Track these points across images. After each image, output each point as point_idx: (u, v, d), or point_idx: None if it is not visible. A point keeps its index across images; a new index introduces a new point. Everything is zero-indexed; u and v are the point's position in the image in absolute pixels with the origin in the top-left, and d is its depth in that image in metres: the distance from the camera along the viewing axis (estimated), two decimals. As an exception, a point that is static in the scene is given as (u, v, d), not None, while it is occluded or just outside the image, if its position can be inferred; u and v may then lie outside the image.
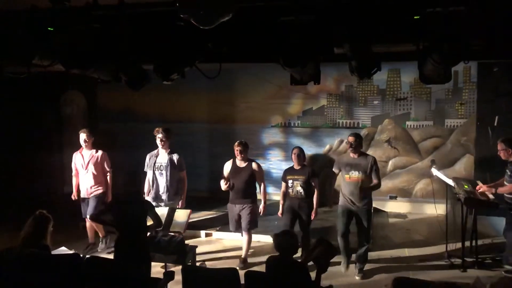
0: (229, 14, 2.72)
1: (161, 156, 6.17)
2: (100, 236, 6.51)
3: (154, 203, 5.65)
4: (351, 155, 5.66)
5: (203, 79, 4.28)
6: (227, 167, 6.03)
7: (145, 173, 6.24)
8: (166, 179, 6.07)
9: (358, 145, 5.62)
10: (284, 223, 5.82)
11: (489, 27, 3.87)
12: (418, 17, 3.68)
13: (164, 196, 6.08)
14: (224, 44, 4.13)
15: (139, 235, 4.55)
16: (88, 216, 6.25)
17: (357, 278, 5.59)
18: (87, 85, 8.62)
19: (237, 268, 5.51)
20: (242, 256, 6.04)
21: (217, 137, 9.18)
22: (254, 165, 5.96)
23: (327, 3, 3.86)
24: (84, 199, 6.42)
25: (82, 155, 6.44)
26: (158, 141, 6.11)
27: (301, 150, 5.94)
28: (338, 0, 3.86)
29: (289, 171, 5.93)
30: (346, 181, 5.61)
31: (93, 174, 6.36)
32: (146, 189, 6.15)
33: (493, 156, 5.81)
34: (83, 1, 3.83)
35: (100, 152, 6.44)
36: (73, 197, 6.50)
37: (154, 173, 6.13)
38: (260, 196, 6.05)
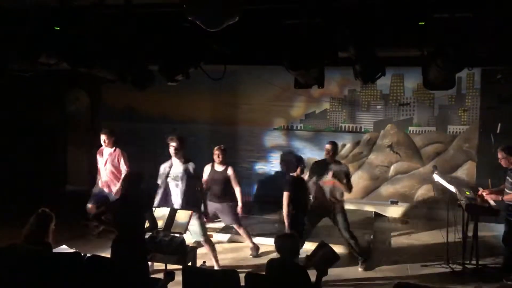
0: (235, 17, 2.74)
1: (175, 167, 5.82)
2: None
3: None
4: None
5: (207, 80, 4.29)
6: (206, 171, 6.21)
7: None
8: (182, 190, 5.74)
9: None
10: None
11: (493, 34, 3.88)
12: (423, 23, 3.69)
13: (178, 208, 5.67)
14: (229, 46, 4.14)
15: (137, 235, 4.55)
16: (89, 204, 6.59)
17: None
18: (91, 83, 8.64)
19: (251, 256, 6.15)
20: (251, 245, 6.34)
21: (219, 139, 9.15)
22: (229, 170, 6.14)
23: (332, 7, 3.88)
24: (99, 188, 6.72)
25: (102, 153, 6.76)
26: (171, 150, 5.73)
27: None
28: (343, 4, 3.88)
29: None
30: None
31: (111, 172, 6.66)
32: (157, 201, 5.82)
33: (495, 163, 5.81)
34: (90, 0, 3.85)
35: (118, 151, 6.70)
36: (97, 188, 6.77)
37: (168, 184, 5.85)
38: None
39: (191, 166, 5.80)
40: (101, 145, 6.77)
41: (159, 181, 5.88)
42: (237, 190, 6.16)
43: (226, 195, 6.14)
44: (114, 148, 6.70)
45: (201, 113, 9.36)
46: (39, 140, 8.72)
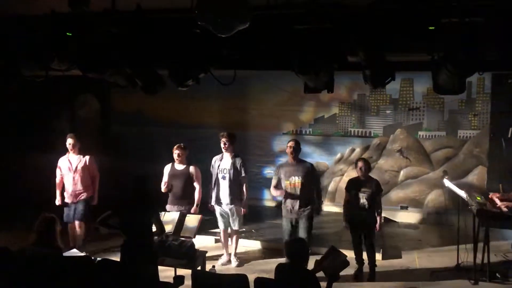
0: (246, 23, 2.76)
1: (225, 160, 6.23)
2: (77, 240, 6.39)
3: (217, 206, 6.20)
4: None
5: (216, 85, 4.31)
6: (166, 170, 6.21)
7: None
8: (228, 184, 6.13)
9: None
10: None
11: (504, 38, 3.86)
12: (433, 27, 3.69)
13: (225, 200, 6.17)
14: (239, 51, 4.16)
15: (145, 239, 4.58)
16: (76, 222, 6.33)
17: None
18: (100, 88, 8.71)
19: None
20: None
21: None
22: (191, 168, 6.11)
23: (342, 11, 3.88)
24: (69, 203, 6.40)
25: (69, 160, 6.47)
26: (222, 145, 6.18)
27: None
28: (352, 9, 3.89)
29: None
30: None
31: (81, 177, 6.38)
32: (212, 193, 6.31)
33: (506, 168, 5.77)
34: (101, 7, 3.90)
35: (87, 156, 6.49)
36: (57, 203, 6.43)
37: (217, 177, 6.22)
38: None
39: (238, 161, 6.18)
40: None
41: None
42: (198, 189, 6.15)
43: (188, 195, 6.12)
44: (81, 154, 6.46)
45: (210, 118, 9.38)
46: (49, 144, 8.79)
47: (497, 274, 5.72)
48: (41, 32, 4.07)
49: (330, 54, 3.89)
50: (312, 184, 5.75)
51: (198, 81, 4.30)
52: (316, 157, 8.98)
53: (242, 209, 6.17)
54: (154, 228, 4.70)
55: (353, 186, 5.74)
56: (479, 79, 7.92)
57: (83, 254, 4.82)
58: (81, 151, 6.50)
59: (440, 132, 8.40)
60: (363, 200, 5.61)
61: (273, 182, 5.88)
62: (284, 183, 5.71)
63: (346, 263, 3.91)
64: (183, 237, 5.21)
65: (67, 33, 4.01)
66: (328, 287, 3.73)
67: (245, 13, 2.74)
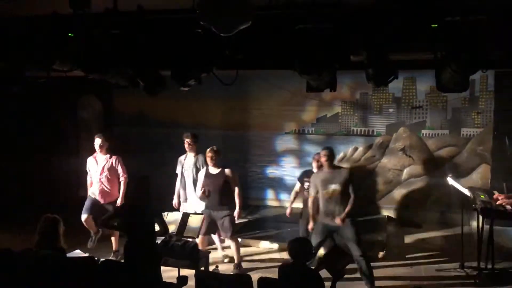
0: (248, 22, 2.75)
1: (188, 159, 6.56)
2: (92, 233, 6.38)
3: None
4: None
5: (217, 85, 4.30)
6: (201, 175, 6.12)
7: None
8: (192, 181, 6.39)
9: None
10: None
11: (507, 36, 3.84)
12: (435, 25, 3.67)
13: (190, 197, 6.47)
14: (241, 51, 4.15)
15: (148, 240, 4.57)
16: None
17: None
18: (103, 89, 8.72)
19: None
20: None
21: (230, 144, 9.19)
22: (227, 171, 5.99)
23: (344, 11, 3.87)
24: (92, 198, 6.40)
25: (96, 160, 6.45)
26: (186, 145, 6.54)
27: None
28: (355, 8, 3.87)
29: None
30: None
31: (108, 179, 6.34)
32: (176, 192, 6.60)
33: (510, 166, 5.74)
34: (103, 7, 3.89)
35: (114, 157, 6.43)
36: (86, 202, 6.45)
37: (183, 175, 6.54)
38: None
39: (200, 159, 6.47)
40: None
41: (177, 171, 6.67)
42: (237, 191, 6.00)
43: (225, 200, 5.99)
44: (109, 154, 6.44)
45: (212, 118, 9.36)
46: (51, 145, 8.82)
47: (501, 273, 5.71)
48: (42, 33, 4.06)
49: (333, 53, 3.87)
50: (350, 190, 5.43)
51: (200, 81, 4.29)
52: (319, 156, 8.97)
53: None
54: (157, 228, 4.69)
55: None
56: (482, 77, 7.89)
57: (86, 255, 4.82)
58: (109, 152, 6.47)
59: (444, 130, 8.37)
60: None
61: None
62: (322, 192, 5.45)
63: (350, 260, 3.92)
64: (186, 237, 5.21)
65: (69, 34, 4.00)
66: (332, 286, 3.73)
67: (246, 13, 2.73)
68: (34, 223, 4.19)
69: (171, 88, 4.68)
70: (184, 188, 6.57)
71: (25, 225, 5.22)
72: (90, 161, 6.52)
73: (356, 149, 8.77)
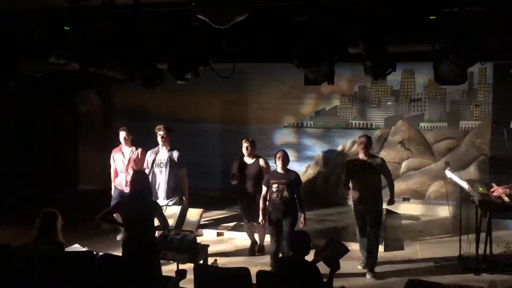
0: (244, 14, 2.73)
1: (161, 153, 6.20)
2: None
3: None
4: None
5: (216, 78, 4.29)
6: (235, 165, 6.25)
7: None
8: (165, 177, 6.10)
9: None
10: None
11: (506, 28, 3.82)
12: (434, 17, 3.65)
13: (162, 194, 6.12)
14: (238, 44, 4.13)
15: (146, 234, 4.57)
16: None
17: (368, 277, 5.58)
18: (101, 84, 8.71)
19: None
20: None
21: (229, 137, 9.18)
22: (261, 161, 6.15)
23: (342, 2, 3.85)
24: (118, 189, 6.61)
25: (122, 153, 6.63)
26: (159, 138, 6.15)
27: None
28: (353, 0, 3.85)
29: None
30: None
31: (134, 170, 6.44)
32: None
33: (508, 158, 5.74)
34: (100, 0, 3.86)
35: (140, 149, 6.62)
36: (113, 194, 6.68)
37: (153, 171, 6.17)
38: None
39: (175, 154, 6.14)
40: (114, 145, 6.74)
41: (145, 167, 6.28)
42: None
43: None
44: (133, 146, 6.65)
45: (210, 112, 9.37)
46: (50, 140, 8.81)
47: (499, 265, 5.73)
48: (38, 27, 4.03)
49: (330, 46, 3.85)
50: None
51: (197, 74, 4.28)
52: (317, 149, 8.98)
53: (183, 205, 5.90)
54: (156, 223, 4.69)
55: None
56: (481, 69, 7.90)
57: (85, 249, 4.82)
58: (134, 144, 6.65)
59: (442, 123, 8.37)
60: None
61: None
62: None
63: (345, 250, 3.93)
64: (185, 231, 5.22)
65: (65, 28, 3.97)
66: (329, 277, 3.74)
67: (242, 5, 2.71)
68: (33, 218, 4.18)
69: (169, 82, 4.66)
70: (155, 185, 6.14)
71: (24, 220, 5.22)
72: (115, 154, 6.69)
73: (354, 142, 8.76)
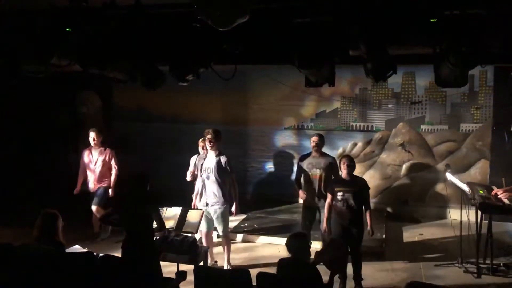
0: (245, 16, 2.74)
1: (209, 159, 5.74)
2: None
3: (203, 208, 5.63)
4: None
5: (217, 80, 4.30)
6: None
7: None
8: (213, 183, 5.67)
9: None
10: None
11: (506, 31, 3.83)
12: (434, 20, 3.65)
13: (209, 201, 5.71)
14: (239, 46, 4.14)
15: (146, 236, 4.57)
16: (94, 206, 6.78)
17: None
18: (102, 85, 8.70)
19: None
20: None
21: (230, 139, 9.16)
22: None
23: (343, 4, 3.85)
24: (92, 192, 6.90)
25: (91, 152, 6.94)
26: (207, 143, 5.71)
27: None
28: (353, 1, 3.85)
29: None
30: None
31: (101, 169, 6.85)
32: (195, 193, 5.99)
33: (509, 161, 5.74)
34: (101, 1, 3.87)
35: (108, 150, 6.91)
36: (75, 192, 6.87)
37: (202, 177, 5.77)
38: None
39: (223, 159, 5.67)
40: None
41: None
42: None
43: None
44: (103, 147, 6.90)
45: (211, 113, 9.36)
46: (51, 141, 8.82)
47: (500, 267, 5.72)
48: (40, 27, 4.04)
49: (331, 48, 3.86)
50: None
51: (199, 76, 4.28)
52: (318, 151, 8.96)
53: (234, 211, 5.74)
54: (154, 225, 4.69)
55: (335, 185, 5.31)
56: (482, 72, 7.90)
57: (85, 250, 4.82)
58: (103, 145, 6.91)
59: (443, 125, 8.38)
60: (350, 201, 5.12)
61: None
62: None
63: (347, 254, 3.92)
64: (185, 232, 5.21)
65: (67, 29, 3.98)
66: (330, 280, 3.74)
67: (243, 7, 2.71)
68: (33, 218, 4.18)
69: (170, 83, 4.67)
70: (204, 193, 5.76)
71: (25, 220, 5.23)
72: (85, 153, 6.98)
73: (355, 144, 8.78)
